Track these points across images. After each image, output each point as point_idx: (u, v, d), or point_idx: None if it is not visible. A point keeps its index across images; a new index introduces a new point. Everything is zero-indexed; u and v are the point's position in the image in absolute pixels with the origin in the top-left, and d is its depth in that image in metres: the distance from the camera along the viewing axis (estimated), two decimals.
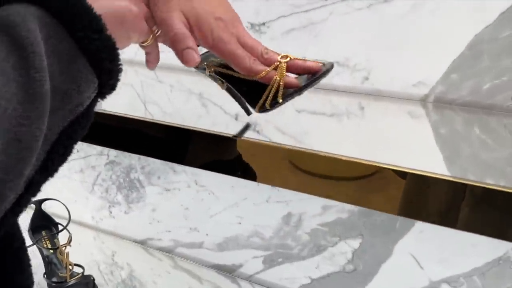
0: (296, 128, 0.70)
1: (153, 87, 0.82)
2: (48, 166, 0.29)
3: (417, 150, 0.61)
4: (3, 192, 0.25)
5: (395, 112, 0.62)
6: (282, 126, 0.72)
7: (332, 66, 0.44)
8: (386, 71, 0.61)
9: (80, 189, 1.00)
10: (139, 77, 0.83)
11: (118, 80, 0.33)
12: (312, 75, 0.45)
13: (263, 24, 0.67)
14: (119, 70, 0.32)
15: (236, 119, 0.75)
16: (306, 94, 0.72)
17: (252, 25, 0.69)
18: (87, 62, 0.30)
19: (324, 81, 0.69)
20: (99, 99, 0.33)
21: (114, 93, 0.73)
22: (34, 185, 0.29)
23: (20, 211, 0.29)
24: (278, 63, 0.44)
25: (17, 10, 0.27)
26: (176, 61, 0.79)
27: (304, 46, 0.66)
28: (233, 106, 0.77)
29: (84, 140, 0.89)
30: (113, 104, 0.83)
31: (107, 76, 0.31)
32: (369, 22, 0.60)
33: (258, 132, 0.74)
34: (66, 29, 0.29)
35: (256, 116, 0.76)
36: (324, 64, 0.44)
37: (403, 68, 0.60)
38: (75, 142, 0.32)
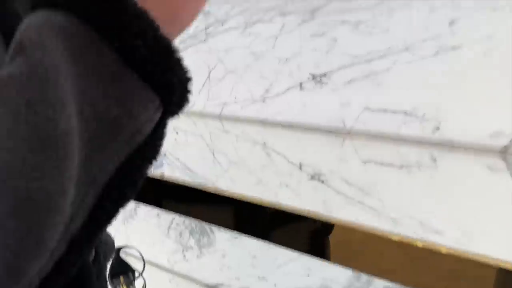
0: (363, 180, 0.67)
1: (220, 137, 0.84)
2: (97, 217, 0.24)
3: (499, 208, 0.55)
4: (19, 265, 0.20)
5: (471, 164, 0.56)
6: (348, 177, 0.69)
7: None
8: (458, 120, 0.57)
9: (156, 233, 1.05)
10: (208, 129, 0.86)
11: (187, 92, 0.25)
12: None
13: (324, 75, 0.67)
14: (185, 81, 0.25)
15: (300, 168, 0.74)
16: (372, 144, 0.69)
17: (314, 77, 0.68)
18: (137, 77, 0.23)
19: (391, 131, 0.66)
20: (168, 120, 0.26)
21: (185, 144, 0.75)
22: (77, 244, 0.23)
23: (68, 275, 0.23)
24: None
25: (35, 22, 0.22)
26: (241, 112, 0.81)
27: (367, 96, 0.64)
28: (297, 155, 0.76)
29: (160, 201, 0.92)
30: (184, 154, 0.87)
31: (168, 90, 0.24)
32: (436, 70, 0.57)
33: (322, 182, 0.73)
34: (103, 38, 0.22)
35: (319, 164, 0.74)
36: None
37: (477, 117, 0.55)
38: (138, 181, 0.25)
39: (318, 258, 0.56)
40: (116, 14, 0.22)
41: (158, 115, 0.24)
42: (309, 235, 0.55)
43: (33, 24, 0.22)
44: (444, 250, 0.54)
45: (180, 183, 0.90)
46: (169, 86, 0.24)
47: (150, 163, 0.25)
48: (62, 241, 0.22)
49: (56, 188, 0.20)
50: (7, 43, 0.28)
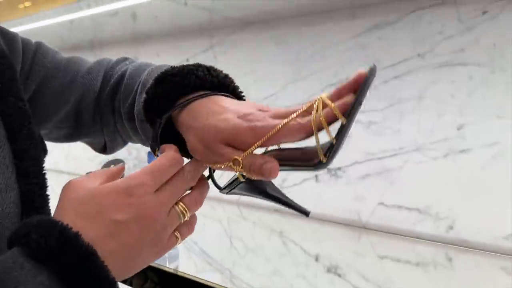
0: (380, 275, 0.66)
1: (238, 223, 0.85)
2: None
3: None
4: None
5: (487, 266, 0.56)
6: (365, 272, 0.68)
7: (375, 66, 0.28)
8: (471, 221, 0.57)
9: None
10: (226, 214, 0.88)
11: None
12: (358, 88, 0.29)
13: (339, 169, 0.69)
14: None
15: (316, 260, 0.74)
16: (388, 240, 0.69)
17: (328, 170, 0.70)
18: None
19: (407, 228, 0.66)
20: None
21: (203, 229, 0.76)
22: None
23: None
24: (315, 101, 0.29)
25: None
26: (258, 200, 0.83)
27: (381, 192, 0.65)
28: (313, 246, 0.77)
29: None
30: (202, 238, 0.89)
31: None
32: (447, 171, 0.58)
33: (339, 275, 0.72)
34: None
35: (336, 257, 0.74)
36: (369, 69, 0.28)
37: (490, 219, 0.56)
38: None
39: None
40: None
41: None
42: None
43: None
44: None
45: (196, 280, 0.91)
46: None
47: None
48: None
49: None
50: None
